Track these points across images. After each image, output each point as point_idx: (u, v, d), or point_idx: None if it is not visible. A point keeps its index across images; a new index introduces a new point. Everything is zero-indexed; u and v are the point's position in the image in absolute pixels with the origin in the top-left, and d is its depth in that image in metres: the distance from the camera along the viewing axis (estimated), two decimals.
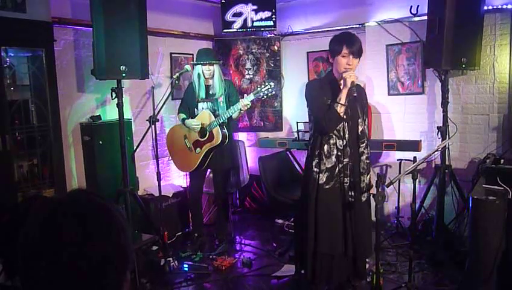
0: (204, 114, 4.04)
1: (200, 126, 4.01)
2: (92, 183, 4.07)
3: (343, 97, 2.80)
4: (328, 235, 2.94)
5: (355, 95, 2.85)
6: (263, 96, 3.99)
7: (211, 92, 4.06)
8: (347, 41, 2.83)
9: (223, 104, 4.06)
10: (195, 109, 4.12)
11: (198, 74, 4.01)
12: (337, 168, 2.90)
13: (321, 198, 2.93)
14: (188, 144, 4.13)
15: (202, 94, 4.07)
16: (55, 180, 3.63)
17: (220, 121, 3.95)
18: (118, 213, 0.90)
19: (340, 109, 2.81)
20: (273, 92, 4.02)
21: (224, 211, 4.39)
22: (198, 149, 4.08)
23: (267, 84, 3.90)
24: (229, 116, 3.97)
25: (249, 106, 3.95)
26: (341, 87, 2.83)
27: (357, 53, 2.85)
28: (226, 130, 4.04)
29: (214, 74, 4.02)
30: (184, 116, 4.14)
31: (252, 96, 3.90)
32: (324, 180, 2.92)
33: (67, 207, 0.85)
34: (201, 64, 4.00)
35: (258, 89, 3.93)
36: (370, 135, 4.26)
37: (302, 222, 3.04)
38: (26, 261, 0.81)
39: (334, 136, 2.90)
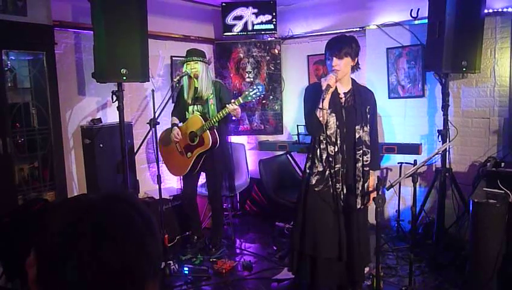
0: (194, 118, 3.99)
1: (179, 137, 4.02)
2: (92, 186, 4.08)
3: (321, 102, 2.78)
4: (313, 237, 2.97)
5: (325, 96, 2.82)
6: (252, 100, 3.97)
7: (199, 94, 3.99)
8: (329, 45, 2.91)
9: (214, 106, 4.01)
10: (186, 112, 4.09)
11: (186, 75, 3.92)
12: (327, 173, 2.93)
13: (310, 199, 2.99)
14: (179, 148, 4.12)
15: (190, 97, 4.01)
16: (55, 183, 3.64)
17: (210, 125, 3.92)
18: (145, 229, 0.87)
19: (319, 114, 2.80)
20: (262, 95, 3.98)
21: (219, 214, 4.37)
22: (189, 153, 4.06)
23: (255, 87, 3.83)
24: (218, 120, 3.95)
25: (237, 110, 3.90)
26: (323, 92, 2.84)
27: (340, 54, 2.85)
28: (217, 134, 4.03)
29: (199, 74, 3.91)
30: (176, 120, 4.12)
31: (240, 101, 3.86)
32: (314, 182, 2.96)
33: (91, 211, 0.84)
34: (186, 62, 3.94)
35: (246, 93, 3.85)
36: None
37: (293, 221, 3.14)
38: (44, 261, 0.80)
39: (324, 142, 2.91)
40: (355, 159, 2.94)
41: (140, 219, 0.87)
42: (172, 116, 4.19)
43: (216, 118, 3.89)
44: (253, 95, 3.83)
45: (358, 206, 2.97)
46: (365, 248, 3.07)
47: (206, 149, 3.98)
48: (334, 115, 2.89)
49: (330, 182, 2.93)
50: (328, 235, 2.94)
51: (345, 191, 2.95)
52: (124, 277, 0.80)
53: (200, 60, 3.93)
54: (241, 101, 3.84)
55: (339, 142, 2.90)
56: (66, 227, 0.80)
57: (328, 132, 2.89)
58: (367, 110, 2.97)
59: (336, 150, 2.90)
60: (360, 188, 2.96)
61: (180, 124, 4.13)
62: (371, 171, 3.03)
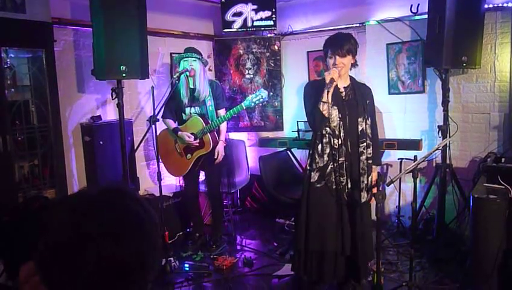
0: (194, 120, 3.98)
1: (193, 139, 3.96)
2: (92, 183, 4.07)
3: (325, 95, 2.80)
4: (318, 233, 2.97)
5: (329, 91, 2.81)
6: (255, 106, 3.96)
7: (195, 95, 3.95)
8: (331, 43, 2.92)
9: (212, 108, 4.01)
10: (183, 114, 4.05)
11: (186, 72, 3.85)
12: (329, 167, 2.93)
13: (312, 196, 2.99)
14: (179, 149, 4.12)
15: (186, 98, 3.96)
16: (55, 181, 3.64)
17: (211, 129, 3.94)
18: (150, 222, 0.87)
19: (323, 107, 2.81)
20: (266, 102, 3.97)
21: (219, 211, 4.38)
22: (189, 155, 4.06)
23: (258, 93, 3.84)
24: (220, 123, 3.97)
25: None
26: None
27: (343, 52, 2.87)
28: (217, 136, 4.04)
29: (196, 72, 3.87)
30: (172, 123, 4.08)
31: (242, 106, 3.87)
32: (316, 179, 2.97)
33: (100, 208, 0.83)
34: (184, 58, 3.89)
35: (249, 98, 3.85)
36: None
37: (296, 220, 3.12)
38: (43, 259, 0.79)
39: (327, 135, 2.92)
40: (359, 152, 2.95)
41: (143, 212, 0.87)
42: (165, 118, 4.07)
43: (216, 122, 3.93)
44: (256, 101, 3.86)
45: (363, 200, 2.97)
46: (369, 243, 3.07)
47: (207, 152, 3.99)
48: (336, 108, 2.91)
49: (333, 177, 2.93)
50: (333, 230, 2.95)
51: (349, 185, 2.95)
52: (133, 270, 0.81)
53: (198, 58, 3.92)
54: (244, 107, 3.87)
55: (342, 134, 2.91)
56: (71, 226, 0.80)
57: (332, 125, 2.91)
58: (367, 104, 3.00)
59: (340, 142, 2.91)
60: (365, 182, 2.97)
61: (176, 125, 4.12)
62: (372, 166, 3.04)
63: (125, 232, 0.82)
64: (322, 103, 2.81)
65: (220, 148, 4.11)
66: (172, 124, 4.09)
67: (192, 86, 3.95)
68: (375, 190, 2.65)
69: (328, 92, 2.79)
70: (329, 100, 2.82)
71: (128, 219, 0.85)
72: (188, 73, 3.86)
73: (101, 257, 0.78)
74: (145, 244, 0.85)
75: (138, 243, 0.83)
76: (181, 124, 4.08)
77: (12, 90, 3.49)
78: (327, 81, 2.79)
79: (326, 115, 2.84)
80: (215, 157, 4.09)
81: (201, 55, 4.00)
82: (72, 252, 0.77)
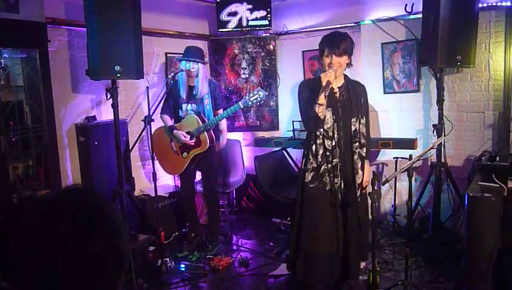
0: (191, 118, 3.98)
1: (189, 138, 3.97)
2: (87, 184, 4.05)
3: (320, 97, 2.78)
4: (311, 233, 2.97)
5: (326, 94, 2.79)
6: (252, 105, 3.97)
7: (194, 93, 3.98)
8: (328, 42, 2.89)
9: (210, 106, 4.02)
10: (180, 110, 4.06)
11: (182, 71, 3.88)
12: (323, 168, 2.92)
13: (306, 196, 2.99)
14: (175, 147, 4.11)
15: (185, 94, 3.99)
16: (50, 182, 3.61)
17: (208, 128, 3.94)
18: (114, 213, 0.89)
19: (319, 109, 2.80)
20: (263, 101, 3.98)
21: (215, 211, 4.38)
22: (185, 153, 4.05)
23: (255, 92, 3.85)
24: (216, 122, 3.97)
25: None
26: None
27: (340, 52, 2.85)
28: (213, 135, 4.04)
29: (197, 73, 3.92)
30: (169, 120, 4.10)
31: (240, 105, 3.89)
32: (309, 179, 2.96)
33: (63, 206, 0.84)
34: (186, 60, 3.91)
35: (246, 98, 3.87)
36: None
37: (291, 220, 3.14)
38: (19, 262, 0.80)
39: (321, 136, 2.91)
40: (352, 152, 2.95)
41: (109, 208, 0.89)
42: (162, 114, 4.11)
43: (213, 121, 3.94)
44: (254, 101, 3.86)
45: (358, 196, 2.97)
46: (365, 242, 3.08)
47: (204, 150, 3.98)
48: (330, 109, 2.91)
49: (327, 177, 2.93)
50: (327, 232, 2.95)
51: (343, 185, 2.95)
52: (108, 263, 0.82)
53: (202, 62, 3.95)
54: (241, 106, 3.88)
55: (336, 136, 2.91)
56: (45, 226, 0.80)
57: (325, 127, 2.90)
58: (361, 103, 3.00)
59: (334, 144, 2.90)
60: (359, 181, 2.97)
61: (172, 122, 4.11)
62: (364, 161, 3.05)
63: (98, 227, 0.84)
64: (317, 105, 2.79)
65: (222, 144, 4.18)
66: (169, 121, 4.10)
67: (192, 84, 3.97)
68: (367, 182, 2.63)
69: (325, 95, 2.77)
70: (325, 102, 2.81)
71: (98, 214, 0.86)
72: (190, 70, 3.89)
73: (77, 253, 0.79)
74: (116, 236, 0.86)
75: (111, 236, 0.85)
76: (177, 121, 4.08)
77: (6, 90, 3.47)
78: (324, 83, 2.78)
79: (322, 117, 2.84)
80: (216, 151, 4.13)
81: (203, 54, 4.03)
82: (47, 250, 0.78)
